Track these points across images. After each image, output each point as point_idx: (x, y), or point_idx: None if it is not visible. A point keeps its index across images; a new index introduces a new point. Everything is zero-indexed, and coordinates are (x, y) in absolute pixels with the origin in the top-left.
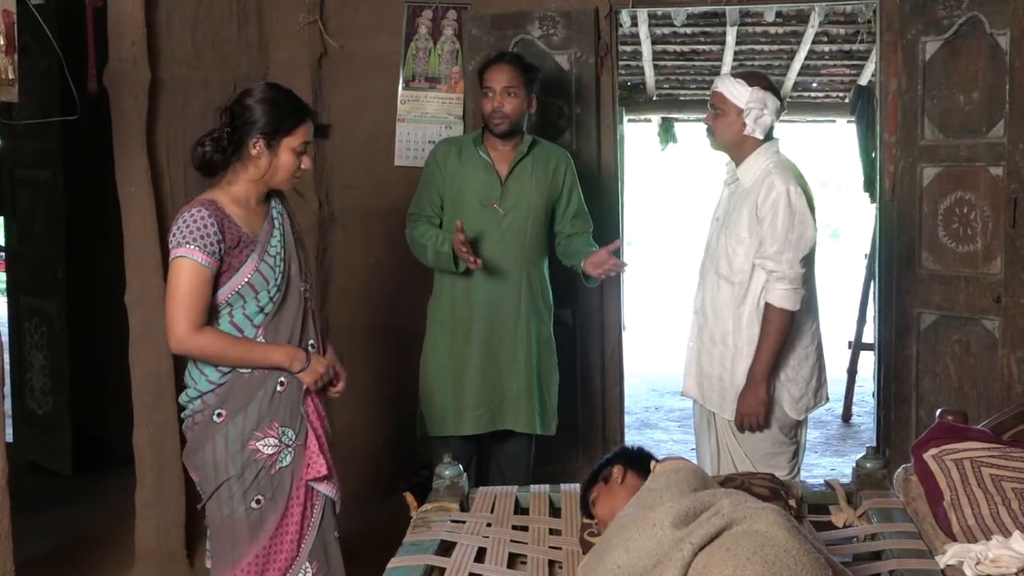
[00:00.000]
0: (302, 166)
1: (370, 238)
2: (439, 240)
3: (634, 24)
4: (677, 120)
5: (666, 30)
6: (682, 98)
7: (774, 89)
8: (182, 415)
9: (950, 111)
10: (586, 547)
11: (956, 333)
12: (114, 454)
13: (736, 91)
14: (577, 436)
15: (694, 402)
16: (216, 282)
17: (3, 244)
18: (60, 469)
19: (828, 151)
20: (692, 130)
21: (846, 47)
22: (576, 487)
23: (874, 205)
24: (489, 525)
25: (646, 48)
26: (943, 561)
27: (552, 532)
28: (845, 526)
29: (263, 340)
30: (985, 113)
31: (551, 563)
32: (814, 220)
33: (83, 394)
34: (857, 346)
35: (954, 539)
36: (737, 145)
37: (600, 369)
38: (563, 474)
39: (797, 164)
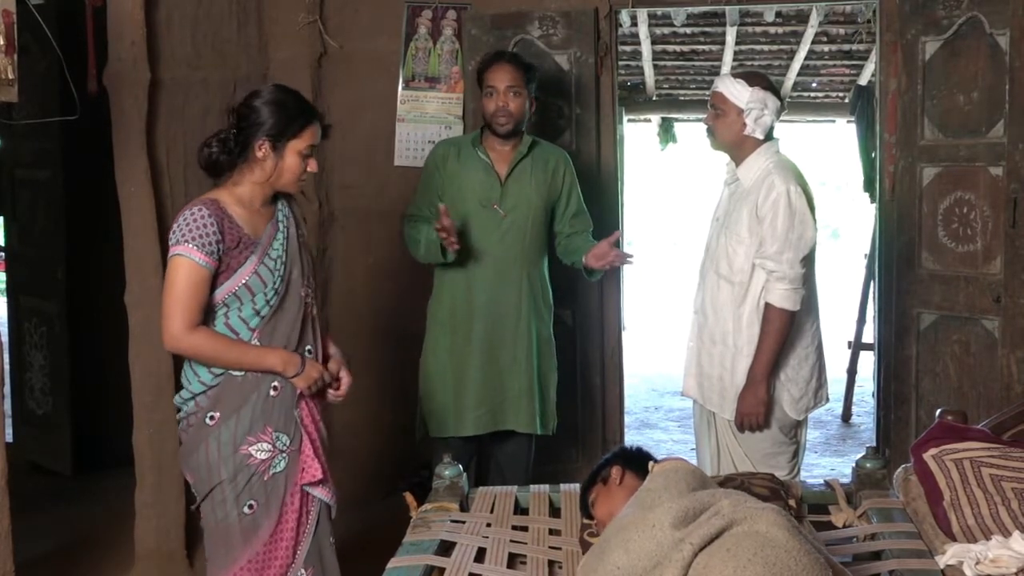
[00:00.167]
0: (308, 169)
1: (370, 238)
2: (429, 230)
3: (634, 24)
4: (677, 120)
5: (666, 30)
6: (682, 98)
7: (774, 89)
8: (178, 416)
9: (950, 111)
10: (586, 547)
11: (956, 333)
12: (114, 454)
13: (736, 91)
14: (577, 436)
15: (694, 402)
16: (214, 282)
17: (3, 244)
18: (60, 469)
19: (828, 151)
20: (692, 130)
21: (846, 47)
22: (576, 487)
23: (874, 205)
24: (489, 525)
25: (646, 48)
26: (943, 561)
27: (552, 532)
28: (845, 526)
29: (258, 343)
30: (985, 113)
31: (551, 563)
32: (814, 220)
33: (83, 394)
34: (857, 346)
35: (954, 539)
36: (737, 145)
37: (600, 369)
38: (563, 474)
39: (797, 164)
